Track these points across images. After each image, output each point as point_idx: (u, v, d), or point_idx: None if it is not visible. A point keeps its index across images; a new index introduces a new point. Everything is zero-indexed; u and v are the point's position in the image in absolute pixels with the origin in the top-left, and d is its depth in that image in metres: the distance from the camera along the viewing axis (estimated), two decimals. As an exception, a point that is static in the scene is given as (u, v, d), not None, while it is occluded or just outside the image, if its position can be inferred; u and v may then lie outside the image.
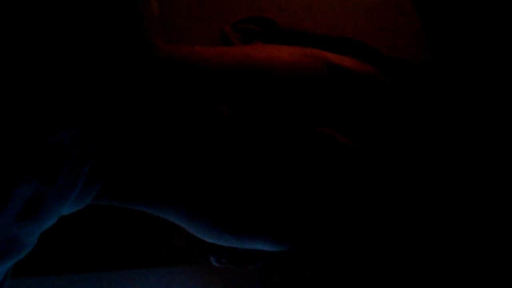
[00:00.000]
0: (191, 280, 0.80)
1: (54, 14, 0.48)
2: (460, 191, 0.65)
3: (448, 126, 0.65)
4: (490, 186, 0.66)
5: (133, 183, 0.56)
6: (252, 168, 0.54)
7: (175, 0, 0.80)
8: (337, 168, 0.56)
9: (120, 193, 0.57)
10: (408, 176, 0.59)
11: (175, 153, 0.55)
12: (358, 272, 0.76)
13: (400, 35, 0.80)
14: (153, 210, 0.59)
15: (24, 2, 0.47)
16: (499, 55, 0.70)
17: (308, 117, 0.56)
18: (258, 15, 0.68)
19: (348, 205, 0.57)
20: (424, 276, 0.70)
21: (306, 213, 0.56)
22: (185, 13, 0.82)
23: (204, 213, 0.56)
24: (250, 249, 0.65)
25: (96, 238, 0.72)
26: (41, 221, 0.51)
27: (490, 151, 0.67)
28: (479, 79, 0.71)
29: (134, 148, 0.55)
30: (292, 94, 0.56)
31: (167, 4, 0.63)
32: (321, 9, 0.83)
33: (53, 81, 0.48)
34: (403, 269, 0.72)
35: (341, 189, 0.56)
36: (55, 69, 0.48)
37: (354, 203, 0.57)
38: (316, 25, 0.70)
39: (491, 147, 0.68)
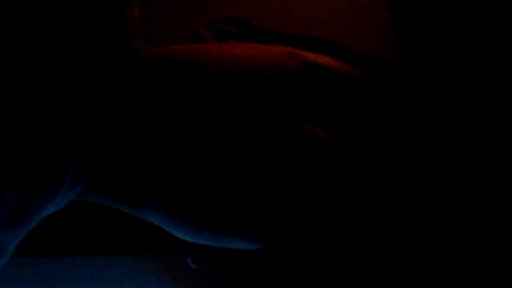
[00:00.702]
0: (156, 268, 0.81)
1: (39, 21, 0.48)
2: (435, 184, 0.66)
3: (419, 120, 0.66)
4: (468, 179, 0.67)
5: (113, 184, 0.55)
6: (231, 164, 0.54)
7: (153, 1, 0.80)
8: (316, 162, 0.56)
9: (100, 193, 0.56)
10: (385, 169, 0.60)
11: (154, 152, 0.54)
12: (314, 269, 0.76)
13: (371, 36, 0.81)
14: (133, 211, 0.58)
15: (9, 13, 0.47)
16: (467, 52, 0.72)
17: (285, 112, 0.56)
18: (232, 16, 0.68)
19: (326, 200, 0.57)
20: (412, 274, 0.70)
21: (285, 209, 0.56)
22: (161, 13, 0.82)
23: (183, 210, 0.56)
24: (229, 249, 0.64)
25: (69, 223, 0.71)
26: (24, 227, 0.50)
27: (465, 145, 0.69)
28: (448, 76, 0.72)
29: (115, 151, 0.54)
30: (269, 90, 0.56)
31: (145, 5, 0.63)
32: (297, 8, 0.84)
33: (39, 87, 0.47)
34: (386, 266, 0.72)
35: (319, 184, 0.56)
36: (41, 76, 0.47)
37: (332, 198, 0.57)
38: (292, 25, 0.70)
39: (466, 141, 0.69)
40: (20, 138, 0.46)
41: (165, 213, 0.56)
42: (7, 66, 0.46)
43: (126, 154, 0.55)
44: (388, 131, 0.61)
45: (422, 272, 0.70)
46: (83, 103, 0.50)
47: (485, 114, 0.69)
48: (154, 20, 0.77)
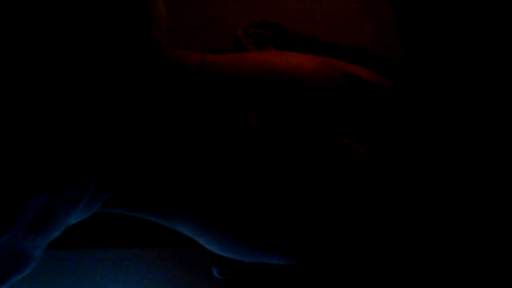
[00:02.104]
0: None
1: (63, 18, 0.46)
2: (473, 199, 0.66)
3: (463, 136, 0.65)
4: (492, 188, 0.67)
5: (142, 193, 0.53)
6: (275, 182, 0.52)
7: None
8: (358, 180, 0.54)
9: (128, 202, 0.54)
10: (427, 185, 0.59)
11: (191, 163, 0.53)
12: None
13: (375, 35, 0.80)
14: (162, 220, 0.56)
15: (34, 7, 0.45)
16: (471, 51, 0.71)
17: (330, 128, 0.54)
18: (267, 20, 0.67)
19: (366, 219, 0.56)
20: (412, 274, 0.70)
21: (323, 228, 0.54)
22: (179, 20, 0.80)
23: (220, 225, 0.54)
24: (256, 262, 0.63)
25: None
26: (49, 233, 0.49)
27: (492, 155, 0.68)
28: (452, 76, 0.71)
29: (145, 156, 0.52)
30: (314, 103, 0.54)
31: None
32: (299, 7, 0.83)
33: (65, 88, 0.46)
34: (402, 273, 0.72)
35: (360, 203, 0.55)
36: (67, 77, 0.46)
37: (372, 216, 0.56)
38: (294, 24, 0.69)
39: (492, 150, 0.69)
40: (44, 141, 0.45)
41: (200, 226, 0.55)
42: (32, 64, 0.44)
43: (155, 162, 0.53)
44: (429, 147, 0.59)
45: (422, 272, 0.70)
46: (106, 105, 0.48)
47: (490, 113, 0.69)
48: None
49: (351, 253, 0.58)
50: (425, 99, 0.63)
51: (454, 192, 0.63)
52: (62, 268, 0.80)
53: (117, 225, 0.73)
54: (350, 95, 0.56)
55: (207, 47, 0.69)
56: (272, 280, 0.75)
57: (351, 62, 0.62)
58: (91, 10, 0.47)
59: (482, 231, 0.67)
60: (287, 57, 0.58)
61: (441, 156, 0.60)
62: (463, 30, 0.71)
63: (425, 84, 0.69)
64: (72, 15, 0.46)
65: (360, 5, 0.83)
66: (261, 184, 0.52)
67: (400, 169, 0.56)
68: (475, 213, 0.66)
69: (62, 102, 0.45)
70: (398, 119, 0.58)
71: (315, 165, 0.53)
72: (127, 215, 0.57)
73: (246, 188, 0.52)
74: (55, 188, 0.46)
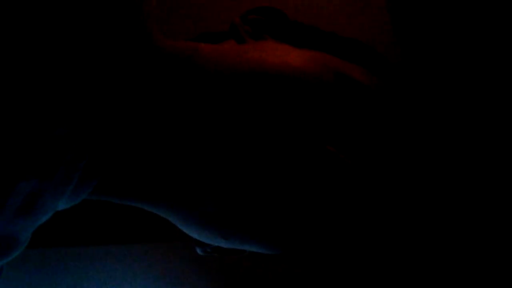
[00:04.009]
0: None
1: (51, 11, 0.46)
2: (456, 202, 0.67)
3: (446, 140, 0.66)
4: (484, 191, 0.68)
5: (129, 180, 0.55)
6: (254, 177, 0.54)
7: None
8: (336, 185, 0.56)
9: (116, 189, 0.56)
10: (405, 190, 0.60)
11: (176, 153, 0.54)
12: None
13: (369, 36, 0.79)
14: (148, 207, 0.58)
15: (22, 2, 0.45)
16: (466, 52, 0.71)
17: (313, 127, 0.55)
18: (267, 6, 0.66)
19: (339, 215, 0.58)
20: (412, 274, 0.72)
21: (300, 221, 0.57)
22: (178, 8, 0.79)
23: (202, 217, 0.56)
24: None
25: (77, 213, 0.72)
26: (37, 217, 0.51)
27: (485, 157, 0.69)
28: (448, 76, 0.71)
29: (131, 144, 0.54)
30: (300, 103, 0.55)
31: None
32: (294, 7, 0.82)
33: (52, 78, 0.46)
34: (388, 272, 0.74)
35: (333, 202, 0.57)
36: (54, 67, 0.46)
37: (345, 213, 0.58)
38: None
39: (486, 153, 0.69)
40: (31, 129, 0.46)
41: (181, 215, 0.57)
42: (16, 55, 0.45)
43: (141, 151, 0.54)
44: (409, 151, 0.61)
45: (422, 272, 0.72)
46: (94, 93, 0.49)
47: (486, 113, 0.69)
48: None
49: (326, 247, 0.60)
50: (416, 102, 0.63)
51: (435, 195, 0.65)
52: (65, 266, 0.84)
53: (120, 222, 0.75)
54: (338, 96, 0.57)
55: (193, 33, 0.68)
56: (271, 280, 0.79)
57: (347, 56, 0.62)
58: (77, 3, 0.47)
59: (460, 230, 0.69)
60: (278, 53, 0.58)
61: (423, 161, 0.61)
62: (456, 24, 0.70)
63: (417, 81, 0.69)
64: (60, 4, 0.46)
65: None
66: (240, 179, 0.54)
67: (379, 174, 0.58)
68: (457, 213, 0.68)
69: (50, 90, 0.46)
70: (384, 123, 0.59)
71: (297, 166, 0.55)
72: (124, 206, 0.59)
73: (225, 181, 0.54)
74: (42, 174, 0.47)
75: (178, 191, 0.55)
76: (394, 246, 0.70)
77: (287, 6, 0.70)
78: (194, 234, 0.59)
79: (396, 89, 0.62)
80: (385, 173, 0.59)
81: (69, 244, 0.81)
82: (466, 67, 0.70)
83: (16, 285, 0.82)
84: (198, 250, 0.67)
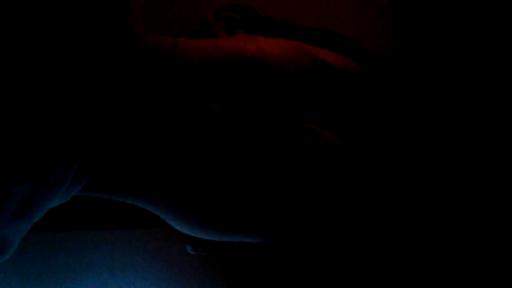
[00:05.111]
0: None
1: (41, 13, 0.46)
2: (445, 187, 0.67)
3: (421, 118, 0.67)
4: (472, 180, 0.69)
5: (119, 178, 0.55)
6: (239, 167, 0.54)
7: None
8: (323, 166, 0.56)
9: (105, 186, 0.56)
10: (393, 173, 0.61)
11: (160, 149, 0.55)
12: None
13: (371, 32, 0.81)
14: (137, 202, 0.58)
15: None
16: (468, 50, 0.72)
17: (296, 113, 0.56)
18: (239, 3, 0.67)
19: (331, 201, 0.58)
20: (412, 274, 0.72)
21: (289, 208, 0.57)
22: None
23: (188, 209, 0.56)
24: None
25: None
26: (32, 219, 0.50)
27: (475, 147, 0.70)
28: (448, 72, 0.72)
29: (120, 142, 0.54)
30: (281, 90, 0.56)
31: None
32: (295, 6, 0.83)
33: (44, 81, 0.46)
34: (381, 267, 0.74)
35: (325, 186, 0.57)
36: (43, 69, 0.46)
37: (338, 199, 0.58)
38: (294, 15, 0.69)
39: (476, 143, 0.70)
40: (25, 133, 0.45)
41: (171, 211, 0.57)
42: (10, 57, 0.45)
43: (130, 149, 0.54)
44: (394, 132, 0.61)
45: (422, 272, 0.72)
46: (84, 94, 0.49)
47: (486, 111, 0.70)
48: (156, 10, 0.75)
49: (314, 231, 0.60)
50: (391, 84, 0.64)
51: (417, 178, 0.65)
52: (68, 250, 0.83)
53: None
54: (316, 80, 0.58)
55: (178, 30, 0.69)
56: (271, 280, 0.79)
57: (320, 45, 0.63)
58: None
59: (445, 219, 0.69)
60: (254, 42, 0.59)
61: (402, 144, 0.62)
62: (460, 27, 0.72)
63: (420, 78, 0.70)
64: (45, 2, 0.46)
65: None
66: (223, 170, 0.54)
67: (361, 153, 0.58)
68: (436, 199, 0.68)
69: (42, 93, 0.46)
70: (363, 104, 0.60)
71: (278, 149, 0.55)
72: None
73: (210, 174, 0.54)
74: (37, 177, 0.47)
75: (168, 186, 0.55)
76: (385, 237, 0.70)
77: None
78: (183, 227, 0.59)
79: (374, 73, 0.63)
80: (369, 155, 0.59)
81: (71, 228, 0.80)
82: (463, 61, 0.71)
83: (18, 270, 0.82)
84: (189, 249, 0.66)
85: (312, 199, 0.57)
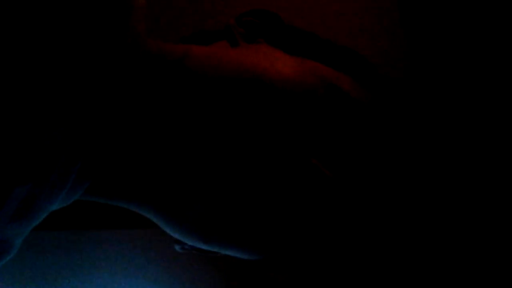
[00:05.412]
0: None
1: (39, 8, 0.45)
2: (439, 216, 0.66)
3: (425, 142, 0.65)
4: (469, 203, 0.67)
5: (119, 183, 0.55)
6: (240, 184, 0.54)
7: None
8: (315, 197, 0.56)
9: (106, 191, 0.56)
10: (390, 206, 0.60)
11: (166, 157, 0.54)
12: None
13: (381, 38, 0.80)
14: (134, 208, 0.59)
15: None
16: (475, 57, 0.71)
17: (299, 137, 0.55)
18: (264, 9, 0.67)
19: (317, 226, 0.58)
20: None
21: (279, 230, 0.57)
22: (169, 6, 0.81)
23: (186, 220, 0.56)
24: None
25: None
26: (32, 221, 0.50)
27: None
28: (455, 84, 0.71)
29: (121, 147, 0.54)
30: (287, 111, 0.55)
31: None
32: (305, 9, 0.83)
33: (46, 83, 0.46)
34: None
35: (312, 213, 0.56)
36: (46, 71, 0.46)
37: (322, 224, 0.58)
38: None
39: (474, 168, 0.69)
40: (26, 134, 0.45)
41: (164, 217, 0.57)
42: (11, 58, 0.44)
43: (131, 155, 0.54)
44: (393, 167, 0.60)
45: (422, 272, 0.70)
46: (83, 95, 0.48)
47: (488, 119, 0.68)
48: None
49: (304, 256, 0.59)
50: (401, 116, 0.63)
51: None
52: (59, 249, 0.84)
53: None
54: (324, 106, 0.57)
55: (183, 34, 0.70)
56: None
57: (339, 66, 0.62)
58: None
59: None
60: (270, 60, 0.58)
61: (405, 177, 0.61)
62: (468, 33, 0.71)
63: (411, 97, 0.69)
64: (48, 4, 0.46)
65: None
66: (226, 185, 0.54)
67: (359, 188, 0.58)
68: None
69: (43, 95, 0.46)
70: (368, 137, 0.59)
71: (281, 176, 0.55)
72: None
73: (211, 187, 0.54)
74: (38, 178, 0.47)
75: (165, 194, 0.55)
76: (374, 257, 0.68)
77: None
78: (175, 234, 0.59)
79: (386, 104, 0.62)
80: (366, 189, 0.59)
81: (71, 228, 0.81)
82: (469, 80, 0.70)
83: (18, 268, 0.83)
84: (177, 247, 0.66)
85: (306, 223, 0.57)
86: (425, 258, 0.68)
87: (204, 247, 0.60)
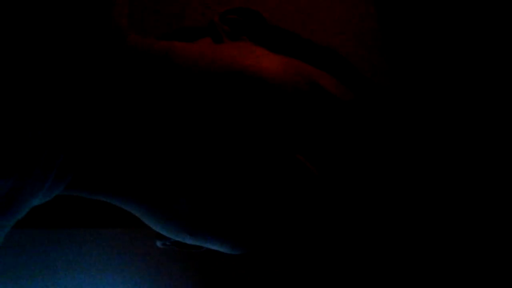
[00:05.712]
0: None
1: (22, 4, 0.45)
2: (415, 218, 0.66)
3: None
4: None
5: (102, 176, 0.55)
6: (225, 177, 0.54)
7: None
8: (298, 191, 0.56)
9: (88, 185, 0.56)
10: (366, 200, 0.60)
11: (149, 151, 0.54)
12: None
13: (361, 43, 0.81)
14: (117, 202, 0.58)
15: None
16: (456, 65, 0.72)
17: (284, 132, 0.56)
18: (248, 8, 0.67)
19: (301, 221, 0.58)
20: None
21: (262, 224, 0.57)
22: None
23: (170, 213, 0.56)
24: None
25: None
26: (15, 215, 0.50)
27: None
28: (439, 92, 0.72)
29: (106, 141, 0.54)
30: (272, 106, 0.56)
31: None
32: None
33: (28, 78, 0.46)
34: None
35: (297, 209, 0.57)
36: (29, 66, 0.46)
37: (307, 220, 0.58)
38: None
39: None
40: (9, 129, 0.45)
41: (146, 211, 0.57)
42: None
43: (112, 149, 0.54)
44: (369, 161, 0.61)
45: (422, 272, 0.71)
46: (69, 91, 0.48)
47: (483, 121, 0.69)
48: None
49: (282, 248, 0.59)
50: (383, 114, 0.64)
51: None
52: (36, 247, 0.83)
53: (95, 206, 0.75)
54: (309, 103, 0.58)
55: (164, 30, 0.70)
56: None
57: (321, 65, 0.63)
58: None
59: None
60: (254, 56, 0.59)
61: (385, 173, 0.61)
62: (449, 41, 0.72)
63: (390, 96, 0.70)
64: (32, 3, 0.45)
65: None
66: (211, 179, 0.54)
67: (341, 184, 0.58)
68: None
69: (26, 90, 0.46)
70: (349, 134, 0.59)
71: (266, 171, 0.55)
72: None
73: (195, 180, 0.54)
74: (20, 172, 0.47)
75: (149, 187, 0.55)
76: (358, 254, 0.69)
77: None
78: (158, 228, 0.59)
79: (368, 102, 0.63)
80: (350, 184, 0.59)
81: (48, 227, 0.80)
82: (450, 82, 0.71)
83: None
84: (158, 243, 0.66)
85: (290, 219, 0.57)
86: (410, 254, 0.69)
87: (188, 240, 0.60)
